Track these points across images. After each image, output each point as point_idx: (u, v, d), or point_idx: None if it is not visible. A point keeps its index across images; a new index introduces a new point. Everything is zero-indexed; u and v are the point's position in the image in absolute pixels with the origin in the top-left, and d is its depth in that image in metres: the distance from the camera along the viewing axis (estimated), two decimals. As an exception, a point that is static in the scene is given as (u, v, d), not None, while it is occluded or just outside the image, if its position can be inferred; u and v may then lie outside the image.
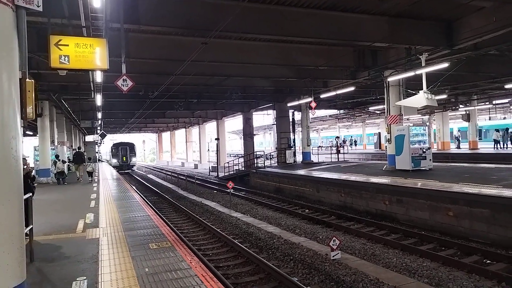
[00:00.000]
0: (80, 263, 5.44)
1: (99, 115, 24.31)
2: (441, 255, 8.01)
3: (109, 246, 6.22)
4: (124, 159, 41.64)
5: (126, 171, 39.72)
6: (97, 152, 47.66)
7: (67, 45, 5.91)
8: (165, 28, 10.35)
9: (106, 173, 25.37)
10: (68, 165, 23.25)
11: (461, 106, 28.40)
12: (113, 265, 5.22)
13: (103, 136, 38.43)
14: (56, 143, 22.47)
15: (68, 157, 24.73)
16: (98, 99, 16.00)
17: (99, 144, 47.20)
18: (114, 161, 42.18)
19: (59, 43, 5.84)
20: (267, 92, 23.75)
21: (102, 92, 15.07)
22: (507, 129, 27.87)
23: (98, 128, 33.90)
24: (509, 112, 38.84)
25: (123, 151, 41.83)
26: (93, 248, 6.17)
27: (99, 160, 47.77)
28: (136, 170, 44.46)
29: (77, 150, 23.47)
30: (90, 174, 19.74)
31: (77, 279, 4.72)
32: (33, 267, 5.31)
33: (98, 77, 10.70)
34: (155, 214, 9.62)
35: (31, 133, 34.02)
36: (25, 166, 7.79)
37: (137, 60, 13.00)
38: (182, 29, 10.57)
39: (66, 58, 5.89)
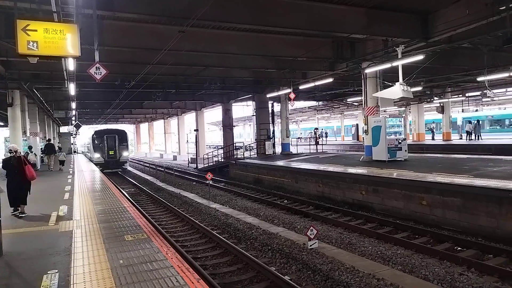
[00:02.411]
0: (52, 256, 5.29)
1: (73, 105, 23.60)
2: (415, 243, 8.25)
3: (83, 239, 6.07)
4: (111, 153, 29.10)
5: (114, 170, 28.70)
6: (72, 144, 46.39)
7: (36, 31, 5.64)
8: (141, 15, 10.07)
9: (82, 165, 24.78)
10: (41, 156, 22.67)
11: (435, 98, 29.09)
12: (86, 257, 5.10)
13: (78, 126, 36.91)
14: (28, 134, 21.76)
15: (41, 148, 24.11)
16: (72, 89, 15.49)
17: (74, 135, 45.76)
18: (97, 156, 29.17)
19: (26, 28, 5.57)
20: (246, 83, 23.64)
21: (76, 81, 14.59)
22: (478, 121, 28.78)
23: (73, 118, 32.96)
24: (481, 104, 40.05)
25: (110, 142, 29.22)
26: (66, 240, 6.01)
27: (74, 152, 46.48)
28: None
29: (47, 141, 23.98)
30: (62, 162, 20.82)
31: (48, 272, 4.59)
32: (1, 261, 5.12)
33: (71, 65, 10.31)
34: (131, 206, 9.46)
35: (2, 124, 32.81)
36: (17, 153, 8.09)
37: (112, 48, 12.65)
38: (158, 16, 10.31)
39: (35, 44, 5.64)
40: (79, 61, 10.37)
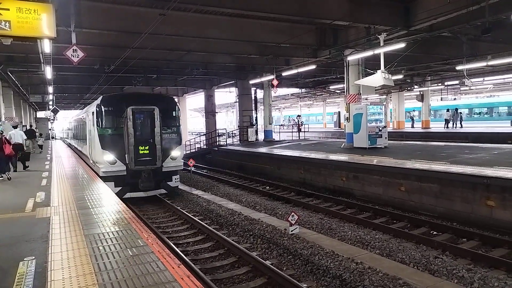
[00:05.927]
0: (29, 242, 5.18)
1: (50, 89, 22.89)
2: (393, 228, 8.46)
3: (61, 225, 5.95)
4: (144, 151, 11.65)
5: (150, 192, 12.17)
6: (50, 129, 45.21)
7: (8, 9, 5.39)
8: (120, -4, 9.77)
9: (59, 151, 24.22)
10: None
11: (416, 86, 29.53)
12: (64, 244, 5.01)
13: (55, 111, 35.84)
14: (3, 119, 21.04)
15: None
16: (48, 72, 14.97)
17: (51, 120, 44.51)
18: (108, 158, 11.60)
19: (-3, 7, 5.33)
20: (229, 69, 23.40)
21: (52, 64, 14.10)
22: (456, 109, 29.43)
23: (50, 103, 31.99)
24: (459, 93, 40.91)
25: (143, 124, 11.90)
26: (43, 227, 5.88)
27: (52, 138, 45.34)
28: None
29: (28, 127, 25.65)
30: (41, 146, 23.29)
31: (24, 259, 4.49)
32: (-25, 249, 4.98)
33: (47, 47, 9.92)
34: (111, 192, 9.31)
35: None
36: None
37: (90, 31, 12.20)
38: (138, -2, 10.04)
39: (7, 24, 5.39)
40: (56, 44, 10.01)
